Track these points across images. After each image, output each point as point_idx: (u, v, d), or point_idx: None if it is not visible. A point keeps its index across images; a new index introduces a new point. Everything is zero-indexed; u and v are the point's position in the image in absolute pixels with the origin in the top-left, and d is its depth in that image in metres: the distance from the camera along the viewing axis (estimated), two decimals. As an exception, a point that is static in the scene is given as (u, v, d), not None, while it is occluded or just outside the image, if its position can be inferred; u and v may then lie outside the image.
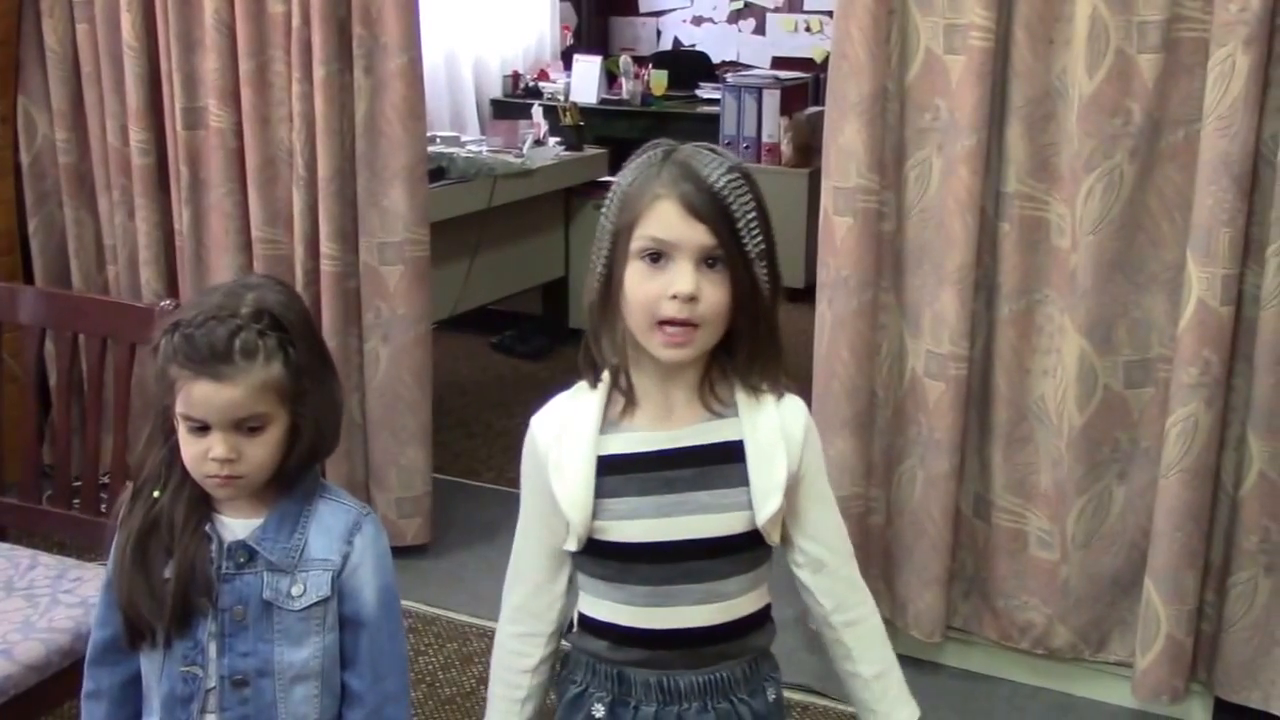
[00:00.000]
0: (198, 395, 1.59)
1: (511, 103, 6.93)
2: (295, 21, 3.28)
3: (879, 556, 3.06)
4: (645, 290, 1.51)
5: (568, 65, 7.24)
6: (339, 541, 1.70)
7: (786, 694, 1.72)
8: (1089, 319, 2.72)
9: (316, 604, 1.68)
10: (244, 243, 3.51)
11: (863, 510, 3.00)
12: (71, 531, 2.57)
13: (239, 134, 3.44)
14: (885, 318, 2.94)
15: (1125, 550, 2.85)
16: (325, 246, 3.39)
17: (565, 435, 1.61)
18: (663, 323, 1.51)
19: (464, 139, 5.28)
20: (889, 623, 3.04)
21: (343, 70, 3.32)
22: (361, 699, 1.72)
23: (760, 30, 7.98)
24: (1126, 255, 2.70)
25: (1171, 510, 2.69)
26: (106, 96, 3.64)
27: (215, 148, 3.47)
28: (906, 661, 3.08)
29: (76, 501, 2.56)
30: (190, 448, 1.62)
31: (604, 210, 1.58)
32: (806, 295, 3.18)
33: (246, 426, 1.61)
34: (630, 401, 1.59)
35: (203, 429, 1.61)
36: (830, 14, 2.98)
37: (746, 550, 1.62)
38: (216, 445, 1.60)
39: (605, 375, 1.60)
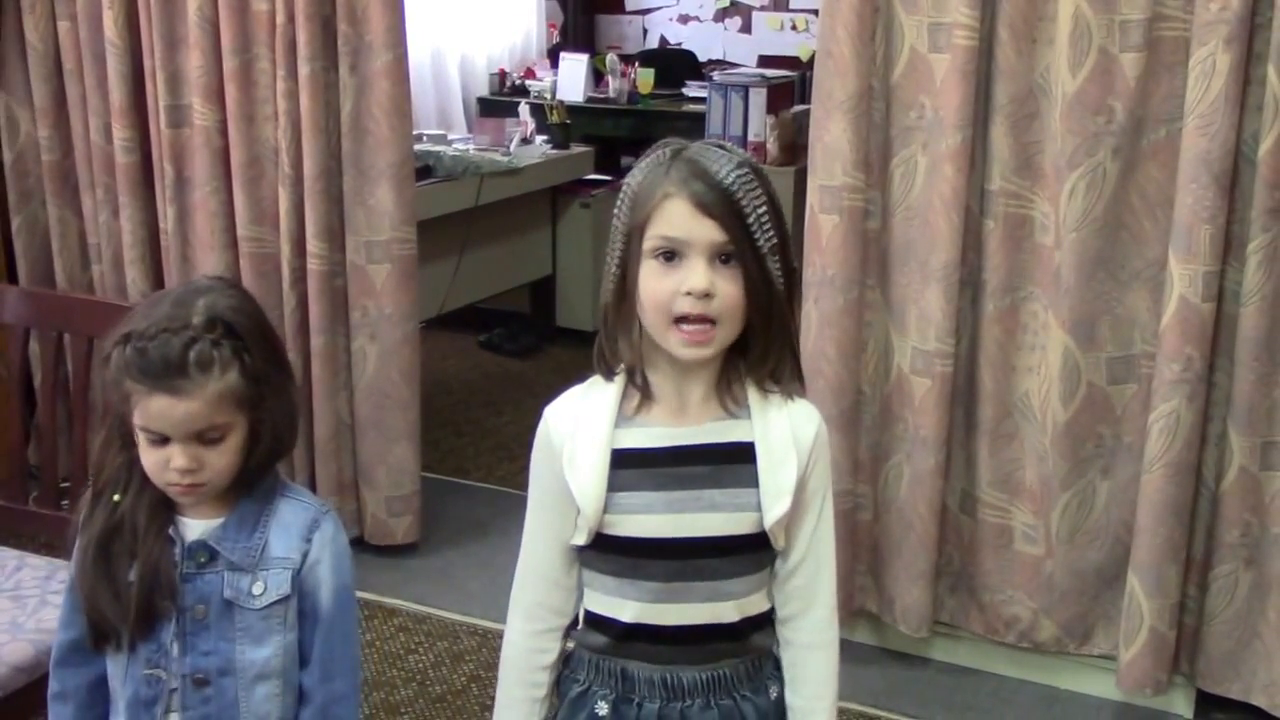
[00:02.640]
0: (155, 409, 1.58)
1: (498, 101, 6.92)
2: (280, 19, 3.28)
3: (867, 552, 3.08)
4: (660, 288, 1.51)
5: (554, 63, 7.23)
6: (298, 540, 1.70)
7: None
8: (1073, 316, 2.74)
9: (277, 602, 1.68)
10: (230, 241, 3.50)
11: (850, 506, 3.02)
12: (59, 532, 2.54)
13: (224, 132, 3.43)
14: (871, 315, 2.95)
15: (1109, 545, 2.87)
16: (312, 245, 3.39)
17: (580, 428, 1.60)
18: (679, 320, 1.51)
19: (451, 137, 5.28)
20: (876, 618, 3.10)
21: (328, 68, 3.32)
22: (310, 696, 1.72)
23: (746, 29, 7.99)
24: (1109, 252, 2.72)
25: (1154, 505, 2.71)
26: (89, 94, 3.63)
27: (200, 146, 3.46)
28: (895, 656, 3.12)
29: (64, 502, 2.56)
30: (150, 458, 1.62)
31: (615, 211, 1.59)
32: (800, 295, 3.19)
33: (206, 437, 1.60)
34: (646, 397, 1.60)
35: (162, 440, 1.60)
36: (816, 12, 2.99)
37: (753, 551, 1.62)
38: (177, 457, 1.60)
39: (621, 370, 1.60)
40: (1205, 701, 2.92)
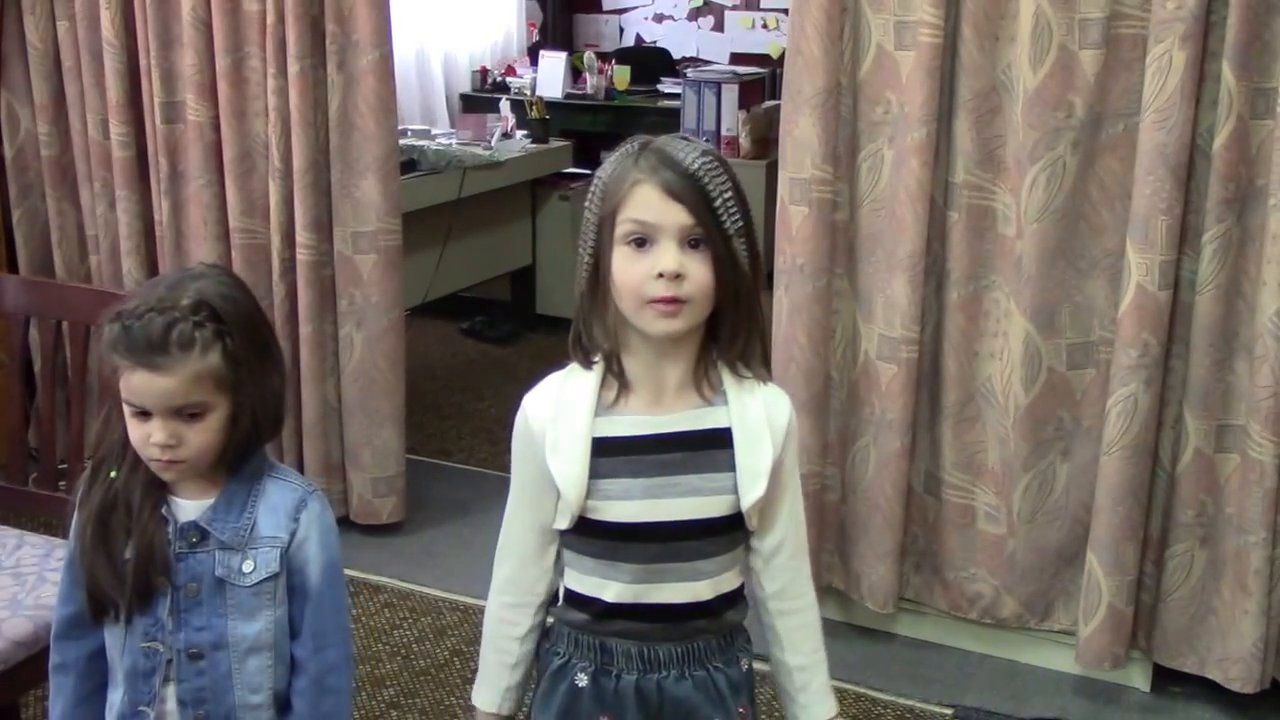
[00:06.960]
0: (136, 384, 1.64)
1: (480, 97, 6.98)
2: (270, 19, 3.34)
3: (834, 532, 3.13)
4: (632, 272, 1.55)
5: (534, 61, 7.28)
6: (285, 519, 1.75)
7: (756, 665, 1.81)
8: (1034, 304, 2.79)
9: (267, 579, 1.73)
10: (222, 233, 3.56)
11: (819, 488, 3.07)
12: (57, 512, 2.58)
13: (216, 127, 3.49)
14: (839, 303, 3.00)
15: (1069, 524, 2.92)
16: (301, 236, 3.45)
17: (561, 416, 1.63)
18: (652, 301, 1.56)
19: (434, 132, 5.35)
20: (844, 595, 3.15)
21: (316, 66, 3.38)
22: (304, 667, 1.77)
23: (719, 27, 8.07)
24: (1069, 242, 2.77)
25: (1112, 486, 2.77)
26: (87, 91, 3.68)
27: (193, 141, 3.52)
28: (861, 632, 3.20)
29: (62, 483, 2.60)
30: (135, 431, 1.67)
31: (587, 202, 1.63)
32: (765, 282, 3.26)
33: (186, 413, 1.65)
34: (623, 386, 1.64)
35: (144, 414, 1.66)
36: (786, 11, 3.04)
37: (729, 532, 1.67)
38: (156, 431, 1.65)
39: (599, 359, 1.63)
40: (1161, 675, 2.97)
